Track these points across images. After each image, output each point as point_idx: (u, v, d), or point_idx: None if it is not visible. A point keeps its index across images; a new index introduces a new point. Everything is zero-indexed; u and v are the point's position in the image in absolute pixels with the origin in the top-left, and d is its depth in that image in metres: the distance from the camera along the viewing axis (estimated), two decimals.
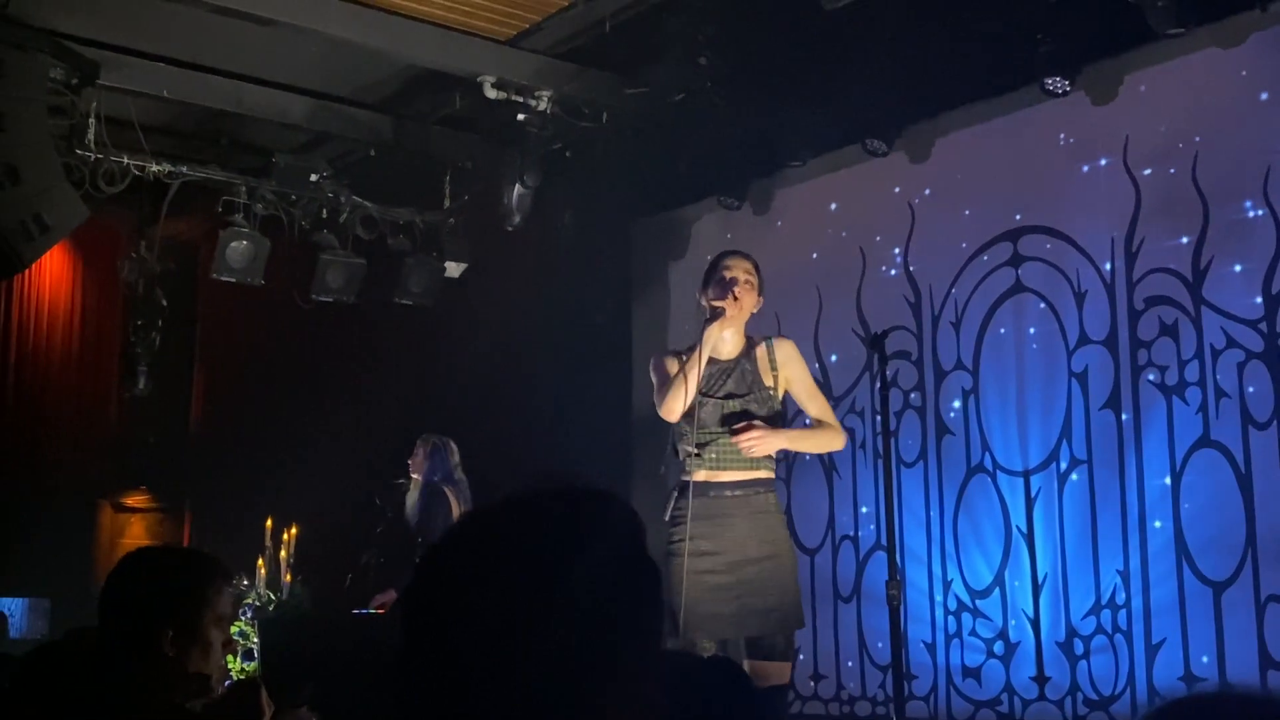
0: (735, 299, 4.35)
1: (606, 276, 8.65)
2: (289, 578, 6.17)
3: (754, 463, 4.32)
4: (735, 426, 4.25)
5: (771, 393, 4.40)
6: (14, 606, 7.34)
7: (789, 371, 4.41)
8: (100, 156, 7.35)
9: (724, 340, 4.44)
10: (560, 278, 8.50)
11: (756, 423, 4.28)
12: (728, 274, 4.48)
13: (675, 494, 4.39)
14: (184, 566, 2.61)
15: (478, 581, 1.17)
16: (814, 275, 7.87)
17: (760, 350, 4.45)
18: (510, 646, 1.14)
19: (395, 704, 1.20)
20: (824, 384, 7.72)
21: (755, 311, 4.64)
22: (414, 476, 6.73)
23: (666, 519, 4.34)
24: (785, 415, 4.57)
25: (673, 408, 4.31)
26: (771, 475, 4.43)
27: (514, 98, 7.48)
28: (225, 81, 7.57)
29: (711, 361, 4.37)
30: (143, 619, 2.48)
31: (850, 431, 7.55)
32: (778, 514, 4.45)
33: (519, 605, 1.15)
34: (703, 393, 4.31)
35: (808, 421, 4.59)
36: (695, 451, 4.30)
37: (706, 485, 4.28)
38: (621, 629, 1.17)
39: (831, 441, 4.57)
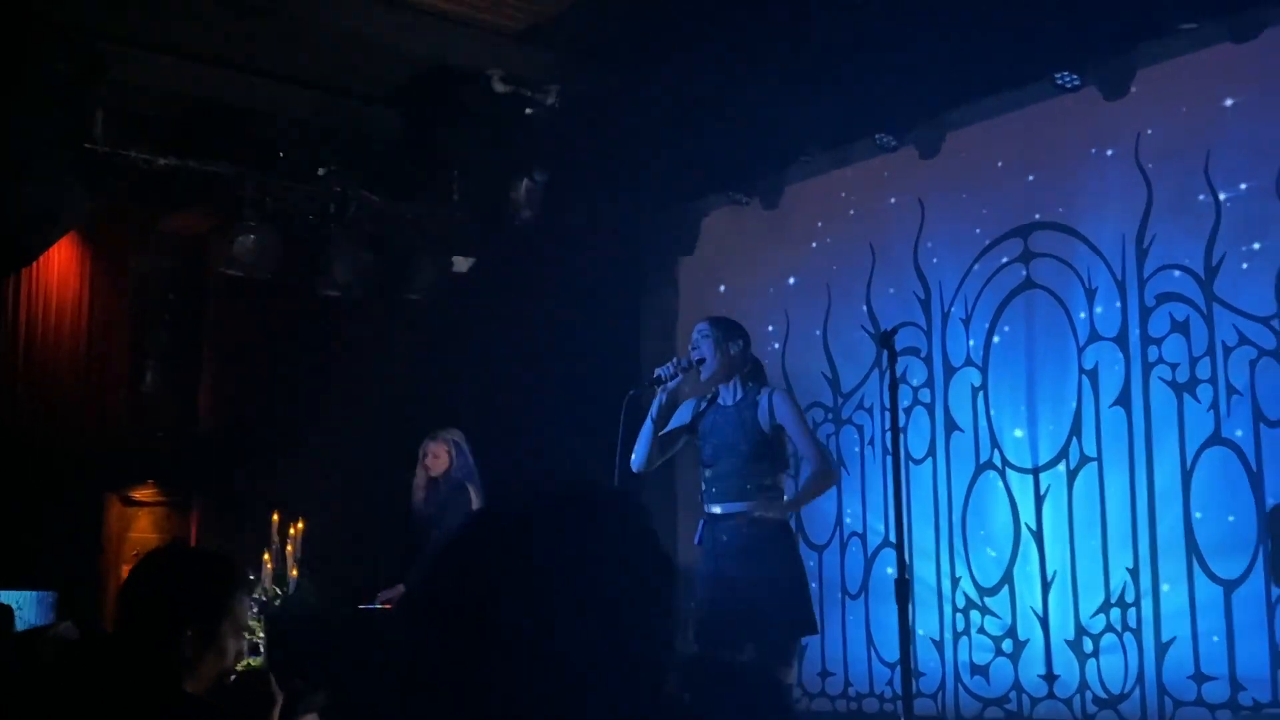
0: (676, 374, 4.93)
1: (615, 272, 8.62)
2: (295, 572, 6.16)
3: (752, 492, 4.85)
4: None
5: (766, 436, 4.91)
6: (21, 599, 7.34)
7: (781, 419, 4.91)
8: (107, 150, 7.34)
9: (723, 388, 5.02)
10: (568, 273, 8.48)
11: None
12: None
13: (701, 523, 5.00)
14: (209, 573, 2.61)
15: (491, 581, 1.16)
16: (823, 271, 7.84)
17: (761, 399, 4.94)
18: (524, 645, 1.13)
19: (405, 700, 1.19)
20: (833, 380, 7.71)
21: (725, 360, 5.00)
22: (430, 474, 6.67)
23: (696, 543, 5.00)
24: (776, 448, 4.96)
25: (632, 461, 5.00)
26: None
27: (522, 92, 7.46)
28: (233, 75, 7.56)
29: (718, 409, 4.99)
30: (164, 620, 2.49)
31: (859, 428, 7.57)
32: (774, 535, 4.85)
33: (532, 605, 1.14)
34: (705, 436, 5.00)
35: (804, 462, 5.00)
36: (704, 488, 5.01)
37: (715, 516, 4.91)
38: (636, 626, 1.16)
39: (822, 485, 5.06)
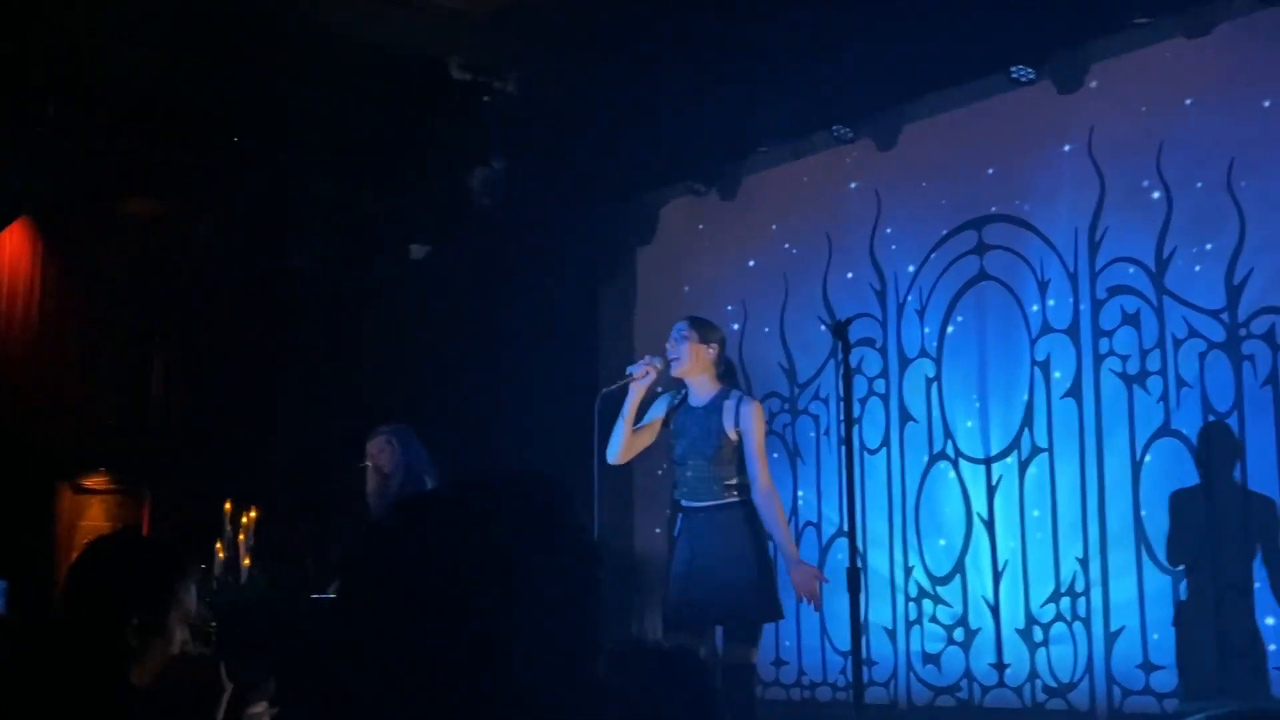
0: (647, 372, 5.07)
1: (573, 261, 8.62)
2: (248, 562, 6.11)
3: (718, 491, 5.04)
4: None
5: (730, 441, 5.06)
6: None
7: (745, 428, 5.05)
8: (60, 134, 7.25)
9: (695, 387, 5.17)
10: (527, 261, 8.46)
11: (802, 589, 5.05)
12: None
13: (680, 517, 5.28)
14: (157, 560, 2.59)
15: (410, 566, 1.17)
16: (781, 261, 7.87)
17: (728, 404, 5.10)
18: (445, 628, 1.14)
19: (334, 678, 1.20)
20: (790, 370, 7.74)
21: (699, 360, 5.12)
22: (380, 467, 6.60)
23: (675, 534, 5.32)
24: (741, 451, 5.06)
25: (607, 454, 5.18)
26: (734, 500, 5.05)
27: (480, 79, 7.43)
28: (190, 59, 7.47)
29: (688, 409, 5.15)
30: (109, 608, 2.47)
31: (815, 418, 7.61)
32: (739, 527, 5.03)
33: (450, 588, 1.15)
34: (676, 434, 5.17)
35: (754, 477, 5.04)
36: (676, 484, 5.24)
37: (687, 509, 5.16)
38: (556, 607, 1.18)
39: (776, 512, 5.09)
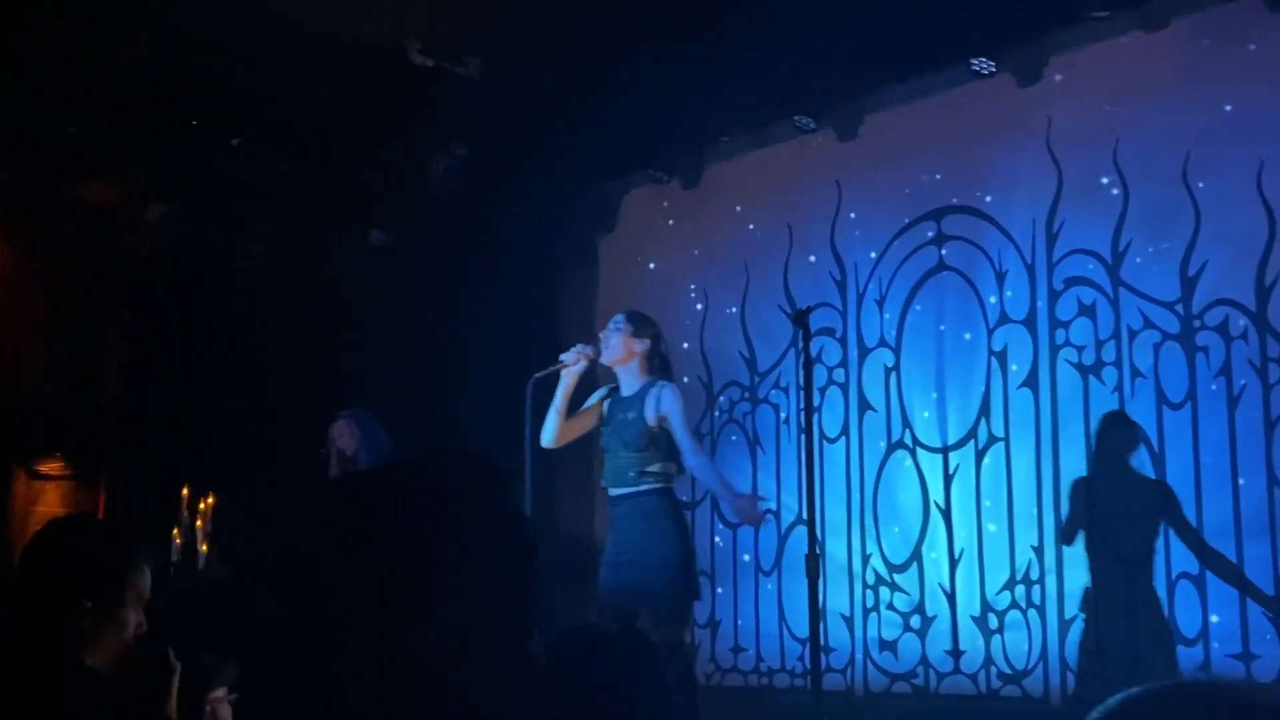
0: (578, 359, 5.21)
1: (535, 249, 8.60)
2: (205, 548, 6.09)
3: (634, 479, 5.18)
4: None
5: (650, 427, 5.17)
6: None
7: (666, 410, 5.18)
8: (14, 114, 7.17)
9: (625, 378, 5.31)
10: (489, 250, 8.44)
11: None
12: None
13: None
14: (111, 543, 2.59)
15: (346, 549, 1.18)
16: (742, 250, 7.89)
17: (651, 393, 5.22)
18: (379, 613, 1.15)
19: (270, 670, 1.20)
20: (750, 359, 7.77)
21: (629, 353, 5.28)
22: (343, 450, 6.59)
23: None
24: (661, 439, 5.20)
25: (541, 438, 5.31)
26: (651, 487, 5.18)
27: (441, 63, 7.39)
28: (146, 42, 7.40)
29: (617, 398, 5.31)
30: (64, 589, 2.46)
31: (775, 407, 7.65)
32: (659, 514, 5.17)
33: (386, 570, 1.16)
34: (604, 422, 5.33)
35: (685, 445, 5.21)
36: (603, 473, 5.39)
37: (613, 498, 5.31)
38: (494, 591, 1.18)
39: (710, 467, 5.55)
